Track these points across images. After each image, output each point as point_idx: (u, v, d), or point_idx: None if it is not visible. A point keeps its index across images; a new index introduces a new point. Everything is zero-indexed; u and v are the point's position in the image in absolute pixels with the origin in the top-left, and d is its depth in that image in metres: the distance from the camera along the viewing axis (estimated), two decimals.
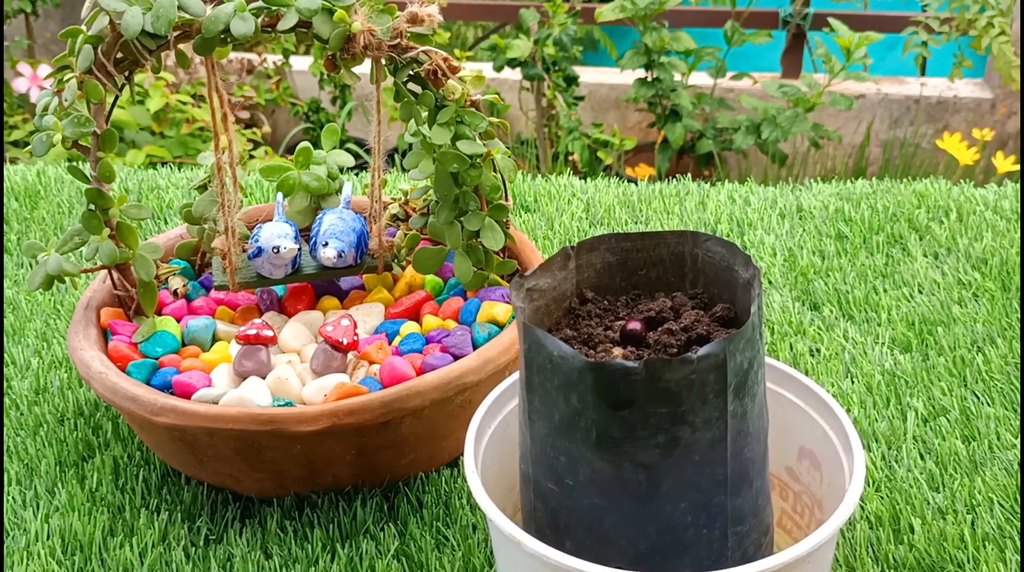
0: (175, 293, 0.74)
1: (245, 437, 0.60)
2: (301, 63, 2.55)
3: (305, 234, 0.76)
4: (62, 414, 0.75)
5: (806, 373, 0.77)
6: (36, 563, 0.61)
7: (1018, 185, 1.07)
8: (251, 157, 2.08)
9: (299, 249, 0.70)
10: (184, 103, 2.12)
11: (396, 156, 1.98)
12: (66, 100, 0.63)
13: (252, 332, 0.65)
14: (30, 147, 0.64)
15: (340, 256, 0.70)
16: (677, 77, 2.04)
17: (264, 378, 0.65)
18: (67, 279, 0.67)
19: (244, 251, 0.72)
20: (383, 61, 0.65)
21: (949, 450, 0.68)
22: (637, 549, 0.46)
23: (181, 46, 0.63)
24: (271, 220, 0.71)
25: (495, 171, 0.70)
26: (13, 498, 0.67)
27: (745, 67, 2.18)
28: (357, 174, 1.16)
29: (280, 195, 0.75)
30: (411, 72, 0.65)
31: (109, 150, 0.65)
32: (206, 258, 0.79)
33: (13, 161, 1.96)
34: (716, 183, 1.12)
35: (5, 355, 0.82)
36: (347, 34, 0.62)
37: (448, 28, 2.77)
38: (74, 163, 1.21)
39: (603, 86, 2.38)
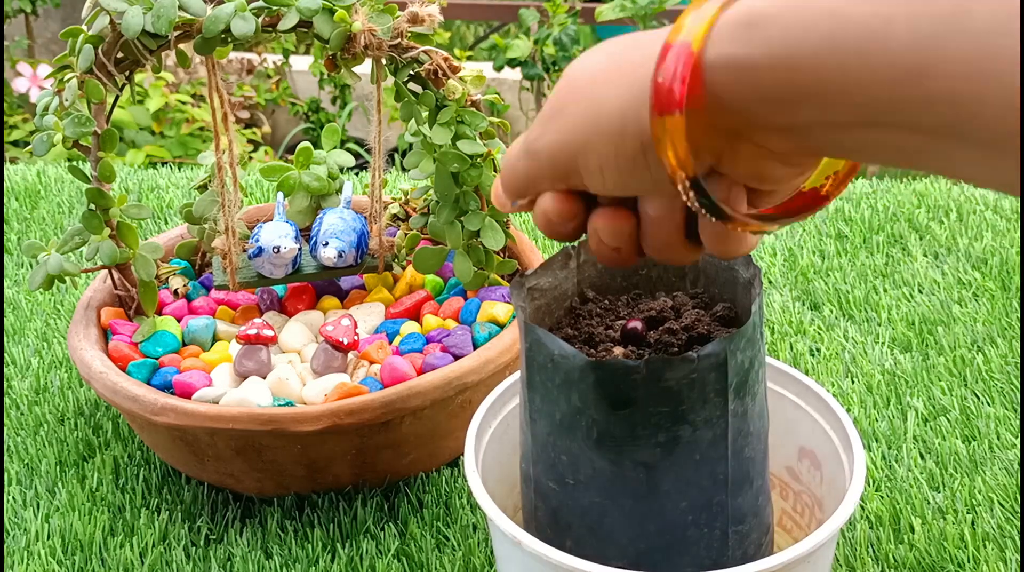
0: (175, 293, 0.74)
1: (245, 437, 0.60)
2: (301, 63, 2.55)
3: (305, 234, 0.76)
4: (62, 414, 0.75)
5: (806, 373, 0.77)
6: (36, 563, 0.61)
7: None
8: (251, 157, 2.08)
9: (299, 249, 0.70)
10: (184, 103, 2.12)
11: (396, 156, 1.98)
12: (67, 100, 0.63)
13: (252, 332, 0.65)
14: (30, 147, 0.64)
15: (340, 256, 0.70)
16: None
17: (264, 378, 0.65)
18: (67, 279, 0.67)
19: (244, 251, 0.72)
20: (384, 61, 0.65)
21: (949, 450, 0.68)
22: (638, 548, 0.46)
23: (182, 46, 0.63)
24: (271, 220, 0.71)
25: (495, 171, 0.70)
26: (13, 498, 0.67)
27: None
28: (357, 174, 1.16)
29: (280, 195, 0.75)
30: (412, 72, 0.65)
31: (109, 150, 0.65)
32: (206, 258, 0.79)
33: (13, 161, 1.96)
34: None
35: (5, 355, 0.82)
36: (348, 34, 0.62)
37: (447, 28, 2.76)
38: (74, 163, 1.21)
39: None
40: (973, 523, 0.62)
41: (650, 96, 0.31)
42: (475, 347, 0.66)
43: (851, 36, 0.26)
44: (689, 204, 0.33)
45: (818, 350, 0.80)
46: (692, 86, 0.30)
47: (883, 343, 0.80)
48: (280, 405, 0.61)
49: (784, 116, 0.29)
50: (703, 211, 0.33)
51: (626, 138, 0.33)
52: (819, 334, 0.82)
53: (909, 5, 0.25)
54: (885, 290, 0.88)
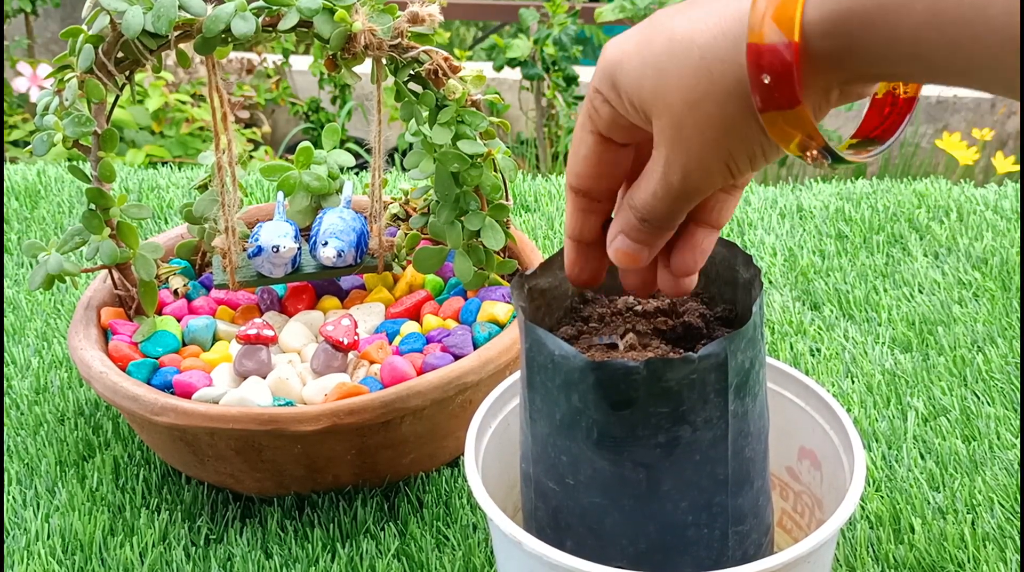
0: (175, 293, 0.74)
1: (245, 437, 0.60)
2: (301, 63, 2.55)
3: (305, 233, 0.76)
4: (62, 414, 0.75)
5: (806, 373, 0.77)
6: (36, 562, 0.61)
7: (1018, 185, 1.07)
8: (251, 157, 2.08)
9: (299, 248, 0.70)
10: (183, 102, 2.12)
11: (396, 156, 1.98)
12: (67, 100, 0.63)
13: (252, 332, 0.65)
14: (30, 147, 0.64)
15: (340, 255, 0.70)
16: None
17: (264, 378, 0.65)
18: (67, 279, 0.67)
19: (244, 250, 0.72)
20: (384, 61, 0.65)
21: (949, 450, 0.68)
22: (638, 548, 0.46)
23: (182, 45, 0.63)
24: (271, 219, 0.71)
25: (496, 171, 0.70)
26: (13, 498, 0.67)
27: None
28: (357, 174, 1.16)
29: (281, 194, 0.75)
30: (412, 72, 0.65)
31: (110, 150, 0.65)
32: (206, 258, 0.79)
33: (13, 161, 1.96)
34: None
35: (5, 355, 0.82)
36: (348, 34, 0.62)
37: (447, 27, 2.77)
38: (74, 163, 1.21)
39: None
40: (973, 523, 0.62)
41: (760, 99, 0.33)
42: (475, 347, 0.66)
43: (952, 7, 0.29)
44: (813, 164, 0.35)
45: (818, 350, 0.80)
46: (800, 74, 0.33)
47: (883, 343, 0.80)
48: (280, 405, 0.61)
49: (885, 69, 0.32)
50: (826, 164, 0.35)
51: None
52: (819, 334, 0.82)
53: None
54: (885, 290, 0.88)
